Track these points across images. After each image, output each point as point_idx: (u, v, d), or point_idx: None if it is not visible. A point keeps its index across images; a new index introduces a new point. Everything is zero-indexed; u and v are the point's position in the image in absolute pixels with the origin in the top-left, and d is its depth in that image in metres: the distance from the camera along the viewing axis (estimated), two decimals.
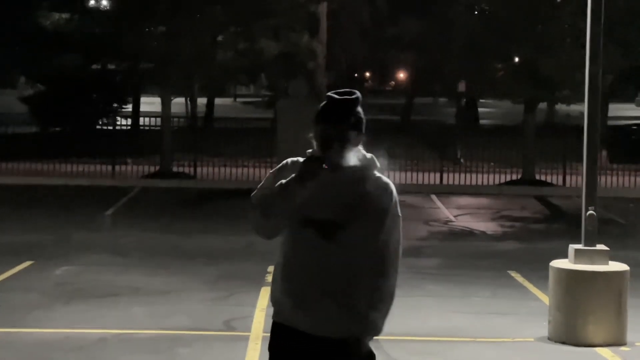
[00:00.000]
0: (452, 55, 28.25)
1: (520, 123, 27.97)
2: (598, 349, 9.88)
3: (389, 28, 40.47)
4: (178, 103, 36.14)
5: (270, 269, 8.11)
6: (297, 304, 4.74)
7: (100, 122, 34.03)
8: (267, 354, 4.93)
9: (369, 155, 4.84)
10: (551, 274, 10.23)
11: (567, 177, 25.32)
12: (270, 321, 4.92)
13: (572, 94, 24.98)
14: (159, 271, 13.64)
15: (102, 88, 34.23)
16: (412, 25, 36.49)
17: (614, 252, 10.51)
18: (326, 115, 4.75)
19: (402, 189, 23.19)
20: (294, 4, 27.42)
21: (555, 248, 14.14)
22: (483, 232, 18.40)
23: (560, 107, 35.86)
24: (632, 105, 65.24)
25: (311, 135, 4.78)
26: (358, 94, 4.83)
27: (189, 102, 42.56)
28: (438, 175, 25.47)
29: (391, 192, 4.81)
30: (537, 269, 13.34)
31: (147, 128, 28.45)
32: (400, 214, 4.84)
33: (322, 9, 32.17)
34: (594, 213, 10.23)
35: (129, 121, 31.38)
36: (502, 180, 25.63)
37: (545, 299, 11.37)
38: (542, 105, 29.90)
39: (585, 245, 10.24)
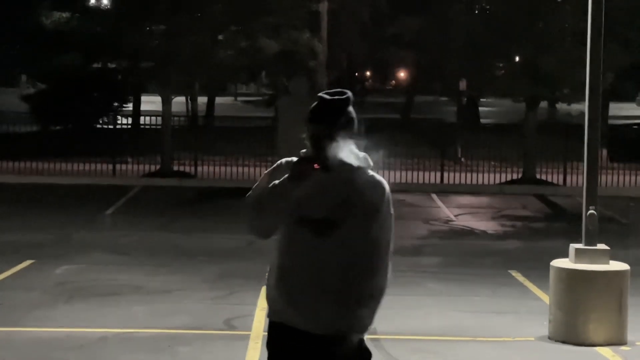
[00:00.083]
0: (453, 54, 28.20)
1: (521, 122, 27.96)
2: (598, 349, 9.88)
3: (389, 27, 40.44)
4: (178, 102, 36.14)
5: None
6: (292, 302, 4.76)
7: (101, 121, 34.03)
8: (266, 353, 4.95)
9: (361, 154, 4.85)
10: (552, 273, 10.22)
11: (568, 176, 25.28)
12: None
13: (573, 93, 24.97)
14: (160, 270, 13.65)
15: (103, 87, 34.18)
16: (413, 23, 36.43)
17: (615, 251, 10.50)
18: (317, 115, 4.79)
19: (403, 188, 23.04)
20: (295, 3, 27.41)
21: (555, 247, 14.15)
22: (484, 231, 18.40)
23: (561, 106, 35.90)
24: (633, 105, 65.13)
25: (304, 135, 4.81)
26: (349, 94, 4.87)
27: (189, 101, 42.56)
28: (439, 174, 25.46)
29: (383, 190, 4.82)
30: (537, 268, 13.33)
31: (147, 127, 28.44)
32: (392, 212, 4.86)
33: (323, 7, 32.19)
34: (595, 212, 10.22)
35: (130, 120, 31.34)
36: (503, 179, 25.61)
37: (545, 298, 11.37)
38: (543, 104, 29.90)
39: (585, 244, 10.24)
